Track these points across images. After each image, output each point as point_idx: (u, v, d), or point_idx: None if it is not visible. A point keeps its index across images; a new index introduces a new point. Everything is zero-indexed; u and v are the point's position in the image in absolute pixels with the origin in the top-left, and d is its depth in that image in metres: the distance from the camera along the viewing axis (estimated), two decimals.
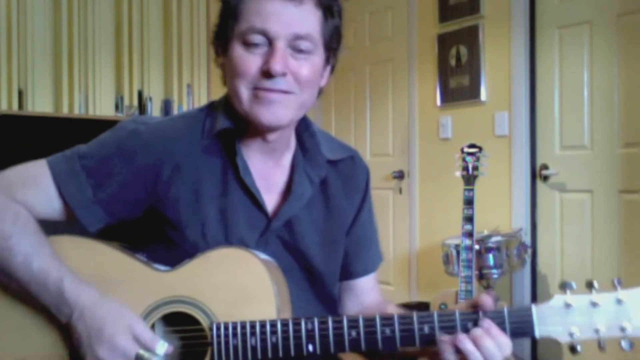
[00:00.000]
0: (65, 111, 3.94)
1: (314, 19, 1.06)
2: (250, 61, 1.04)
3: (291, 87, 1.05)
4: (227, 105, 1.13)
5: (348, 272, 1.25)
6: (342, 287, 1.27)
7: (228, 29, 1.06)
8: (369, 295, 1.28)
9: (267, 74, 1.03)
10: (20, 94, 3.80)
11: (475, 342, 0.93)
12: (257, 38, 1.03)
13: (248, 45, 1.04)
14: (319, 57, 1.08)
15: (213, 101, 1.18)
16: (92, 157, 1.10)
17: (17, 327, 1.05)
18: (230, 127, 1.10)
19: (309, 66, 1.06)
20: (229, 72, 1.08)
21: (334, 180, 1.20)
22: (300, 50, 1.05)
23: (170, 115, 1.21)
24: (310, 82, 1.07)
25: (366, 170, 1.28)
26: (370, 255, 1.29)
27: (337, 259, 1.22)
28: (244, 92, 1.05)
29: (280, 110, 1.06)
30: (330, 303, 1.22)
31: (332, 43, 1.10)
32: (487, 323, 0.95)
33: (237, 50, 1.05)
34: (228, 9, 1.06)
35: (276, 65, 1.02)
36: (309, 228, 1.16)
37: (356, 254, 1.25)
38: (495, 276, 2.82)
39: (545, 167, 3.20)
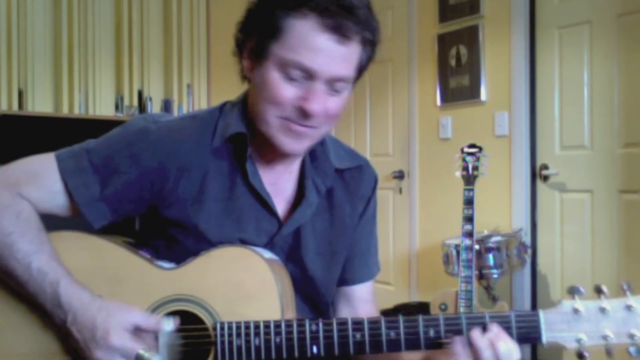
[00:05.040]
0: (65, 111, 3.94)
1: (355, 57, 1.04)
2: (287, 92, 1.02)
3: (319, 122, 1.05)
4: (242, 109, 1.13)
5: (344, 278, 1.24)
6: (337, 292, 1.25)
7: (265, 44, 1.02)
8: (364, 307, 1.25)
9: (304, 112, 1.02)
10: (20, 94, 3.80)
11: (490, 343, 0.93)
12: (299, 74, 1.00)
13: (287, 74, 1.01)
14: (348, 90, 1.07)
15: (226, 102, 1.17)
16: (100, 153, 1.09)
17: (15, 324, 1.05)
18: (243, 132, 1.10)
19: (340, 102, 1.06)
20: (258, 91, 1.05)
21: (339, 190, 1.20)
22: (335, 90, 1.04)
23: (182, 114, 1.20)
24: (336, 117, 1.07)
25: (374, 179, 1.26)
26: (368, 263, 1.27)
27: (337, 270, 1.21)
28: (273, 119, 1.04)
29: (305, 143, 1.07)
30: (325, 312, 1.21)
31: (363, 69, 1.09)
32: (496, 328, 0.94)
33: (274, 75, 1.02)
34: (269, 24, 1.01)
35: (315, 108, 1.01)
36: (312, 237, 1.16)
37: (353, 260, 1.24)
38: (495, 276, 2.82)
39: (545, 167, 3.20)
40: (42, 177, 1.08)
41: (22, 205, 1.06)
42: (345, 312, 1.25)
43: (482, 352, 0.93)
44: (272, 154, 1.13)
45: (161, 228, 1.12)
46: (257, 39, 1.04)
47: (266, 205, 1.12)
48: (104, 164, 1.08)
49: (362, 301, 1.25)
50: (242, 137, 1.10)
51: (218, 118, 1.13)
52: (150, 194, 1.10)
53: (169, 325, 0.98)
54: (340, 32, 0.99)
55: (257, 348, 0.98)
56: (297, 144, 1.06)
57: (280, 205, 1.15)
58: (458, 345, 0.95)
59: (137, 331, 0.98)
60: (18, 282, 1.02)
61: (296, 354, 0.98)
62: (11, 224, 1.03)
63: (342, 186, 1.20)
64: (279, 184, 1.16)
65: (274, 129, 1.05)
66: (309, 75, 1.00)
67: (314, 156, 1.17)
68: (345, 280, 1.24)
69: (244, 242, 1.10)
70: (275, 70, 1.01)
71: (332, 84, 1.03)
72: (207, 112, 1.16)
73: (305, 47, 0.99)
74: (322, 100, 1.02)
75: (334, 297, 1.25)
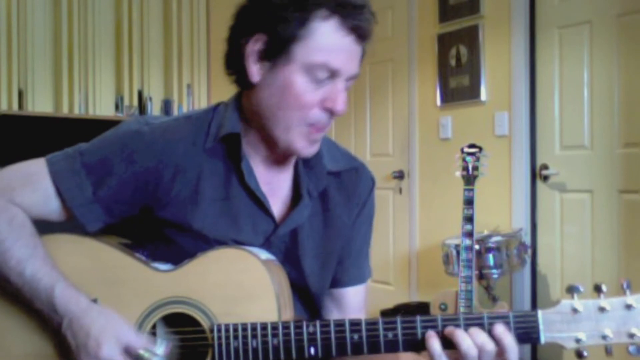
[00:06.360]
0: (65, 111, 3.94)
1: (362, 54, 1.07)
2: (314, 96, 1.03)
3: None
4: (235, 109, 1.12)
5: (336, 279, 1.22)
6: (328, 295, 1.24)
7: (283, 47, 1.01)
8: (355, 314, 1.22)
9: (331, 112, 1.04)
10: (20, 94, 3.80)
11: (476, 343, 0.92)
12: (324, 75, 1.02)
13: (314, 77, 1.01)
14: None
15: (220, 102, 1.16)
16: (93, 155, 1.09)
17: (12, 328, 1.04)
18: (236, 132, 1.10)
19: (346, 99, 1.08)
20: (278, 96, 1.04)
21: (334, 192, 1.19)
22: (347, 87, 1.06)
23: (176, 116, 1.19)
24: None
25: (371, 182, 1.26)
26: (361, 265, 1.25)
27: (330, 271, 1.20)
28: (298, 127, 1.04)
29: (318, 145, 1.10)
30: (319, 312, 1.21)
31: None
32: (500, 327, 0.92)
33: (300, 79, 1.02)
34: (288, 26, 1.00)
35: (343, 107, 1.03)
36: (309, 238, 1.16)
37: (346, 261, 1.22)
38: (495, 276, 2.82)
39: (545, 167, 3.20)
40: (33, 182, 1.08)
41: (14, 211, 1.05)
42: (335, 317, 1.22)
43: (467, 351, 0.91)
44: (267, 154, 1.13)
45: (157, 229, 1.11)
46: (270, 42, 1.02)
47: (262, 206, 1.12)
48: (98, 166, 1.08)
49: (353, 308, 1.24)
50: (236, 138, 1.10)
51: (212, 118, 1.13)
52: (144, 194, 1.09)
53: (160, 349, 0.98)
54: (357, 32, 1.02)
55: (255, 350, 0.98)
56: (312, 149, 1.09)
57: (277, 206, 1.15)
58: (433, 341, 0.93)
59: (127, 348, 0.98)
60: (14, 288, 1.02)
61: (294, 355, 0.97)
62: (4, 230, 1.03)
63: (337, 188, 1.19)
64: (275, 183, 1.15)
65: (295, 135, 1.05)
66: (333, 75, 1.02)
67: (306, 159, 1.15)
68: (337, 281, 1.23)
69: (240, 242, 1.09)
70: (300, 74, 1.01)
71: (348, 81, 1.05)
72: (201, 113, 1.15)
73: (332, 49, 1.01)
74: (344, 99, 1.04)
75: (325, 300, 1.23)
